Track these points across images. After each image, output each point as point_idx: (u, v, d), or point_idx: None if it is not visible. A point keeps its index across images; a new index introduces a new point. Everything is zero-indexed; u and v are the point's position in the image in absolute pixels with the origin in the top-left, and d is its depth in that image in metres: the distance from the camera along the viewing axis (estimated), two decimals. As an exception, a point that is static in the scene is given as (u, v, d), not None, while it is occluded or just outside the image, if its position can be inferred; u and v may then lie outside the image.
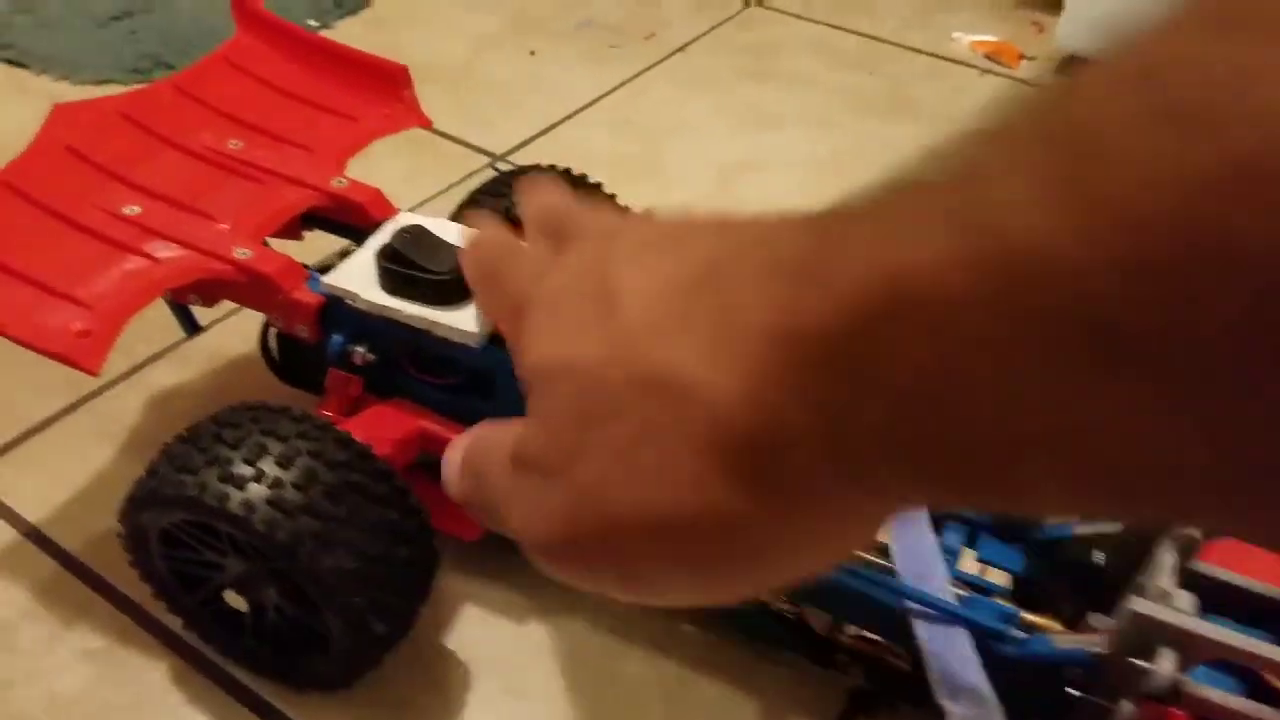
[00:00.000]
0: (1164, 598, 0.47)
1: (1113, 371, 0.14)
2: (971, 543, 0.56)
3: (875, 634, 0.55)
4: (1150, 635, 0.46)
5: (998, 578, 0.57)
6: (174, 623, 0.58)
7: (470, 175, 0.98)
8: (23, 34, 1.08)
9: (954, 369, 0.15)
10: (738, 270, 0.18)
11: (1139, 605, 0.46)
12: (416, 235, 0.54)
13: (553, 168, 0.73)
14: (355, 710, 0.56)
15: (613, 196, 0.73)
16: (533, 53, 1.18)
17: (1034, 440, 0.15)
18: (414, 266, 0.52)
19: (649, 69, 1.17)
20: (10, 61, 1.06)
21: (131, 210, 0.58)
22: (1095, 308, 0.13)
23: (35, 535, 0.64)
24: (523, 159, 1.02)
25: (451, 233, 0.56)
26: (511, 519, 0.22)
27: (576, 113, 1.12)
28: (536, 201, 0.27)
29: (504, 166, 1.00)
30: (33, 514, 0.65)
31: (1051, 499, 0.16)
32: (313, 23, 1.17)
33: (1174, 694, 0.46)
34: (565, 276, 0.22)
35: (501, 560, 0.62)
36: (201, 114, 0.65)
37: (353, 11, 1.21)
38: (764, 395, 0.17)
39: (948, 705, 0.46)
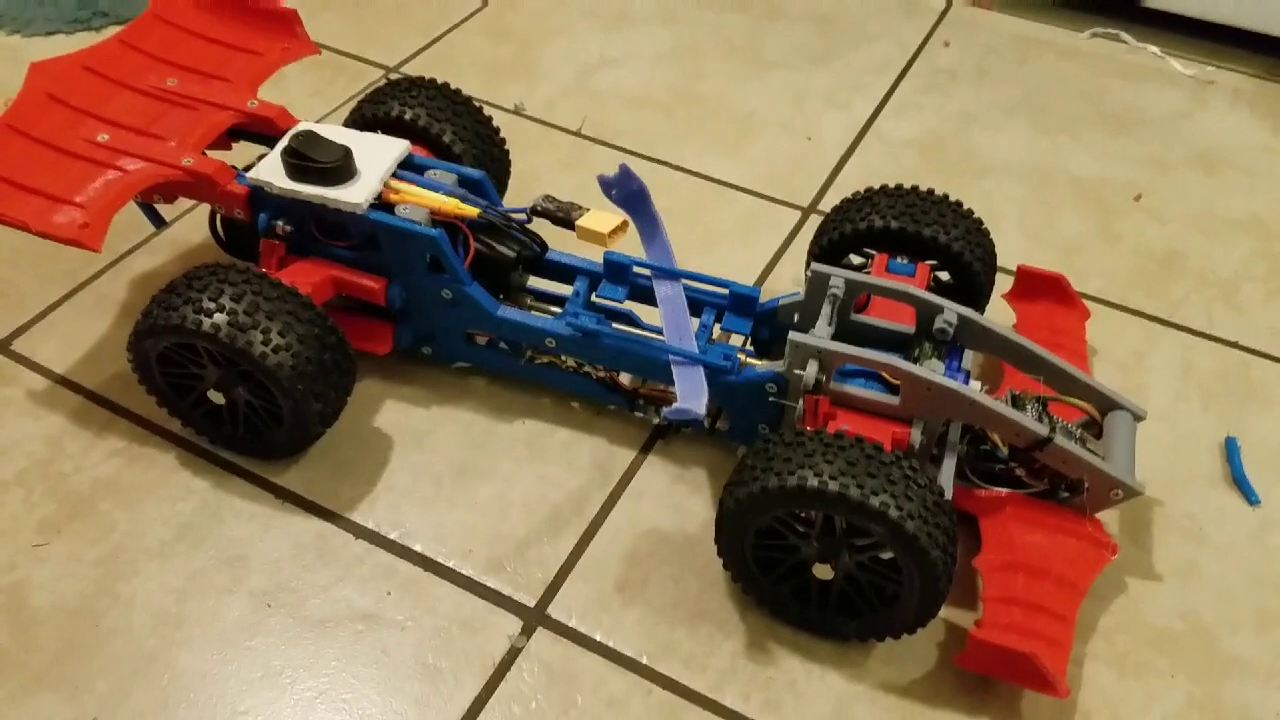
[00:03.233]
0: (812, 332, 0.73)
1: None
2: (720, 319, 0.82)
3: (659, 383, 0.81)
4: (803, 354, 0.72)
5: (737, 340, 0.84)
6: (175, 425, 0.83)
7: (369, 86, 1.20)
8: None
9: None
10: None
11: (793, 336, 0.72)
12: (308, 136, 0.77)
13: (432, 81, 0.94)
14: (312, 470, 0.81)
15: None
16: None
17: None
18: (306, 159, 0.76)
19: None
20: (-32, 21, 1.25)
21: (103, 138, 0.80)
22: None
23: (62, 380, 0.88)
24: (412, 69, 1.23)
25: (338, 133, 0.80)
26: None
27: (459, 24, 1.33)
28: None
29: (395, 77, 1.22)
30: (57, 366, 0.89)
31: None
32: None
33: (819, 387, 0.72)
34: None
35: (409, 368, 0.88)
36: (143, 61, 0.87)
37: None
38: None
39: (679, 405, 0.72)
